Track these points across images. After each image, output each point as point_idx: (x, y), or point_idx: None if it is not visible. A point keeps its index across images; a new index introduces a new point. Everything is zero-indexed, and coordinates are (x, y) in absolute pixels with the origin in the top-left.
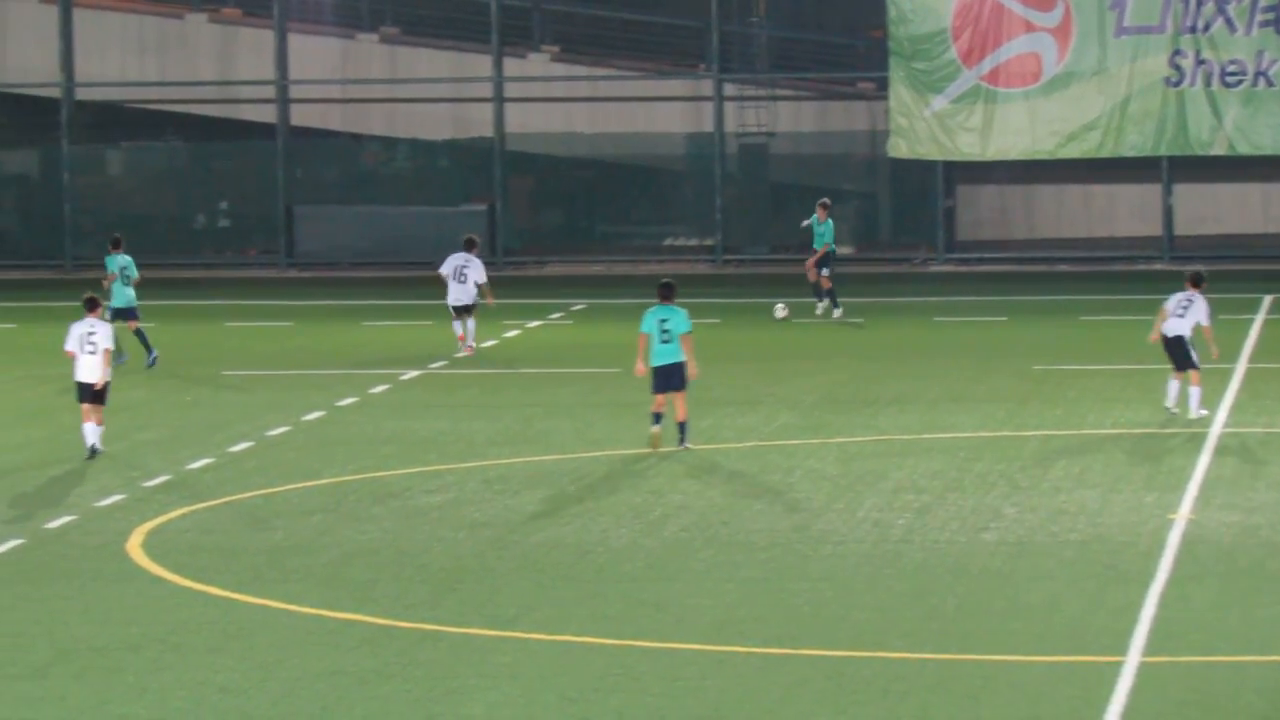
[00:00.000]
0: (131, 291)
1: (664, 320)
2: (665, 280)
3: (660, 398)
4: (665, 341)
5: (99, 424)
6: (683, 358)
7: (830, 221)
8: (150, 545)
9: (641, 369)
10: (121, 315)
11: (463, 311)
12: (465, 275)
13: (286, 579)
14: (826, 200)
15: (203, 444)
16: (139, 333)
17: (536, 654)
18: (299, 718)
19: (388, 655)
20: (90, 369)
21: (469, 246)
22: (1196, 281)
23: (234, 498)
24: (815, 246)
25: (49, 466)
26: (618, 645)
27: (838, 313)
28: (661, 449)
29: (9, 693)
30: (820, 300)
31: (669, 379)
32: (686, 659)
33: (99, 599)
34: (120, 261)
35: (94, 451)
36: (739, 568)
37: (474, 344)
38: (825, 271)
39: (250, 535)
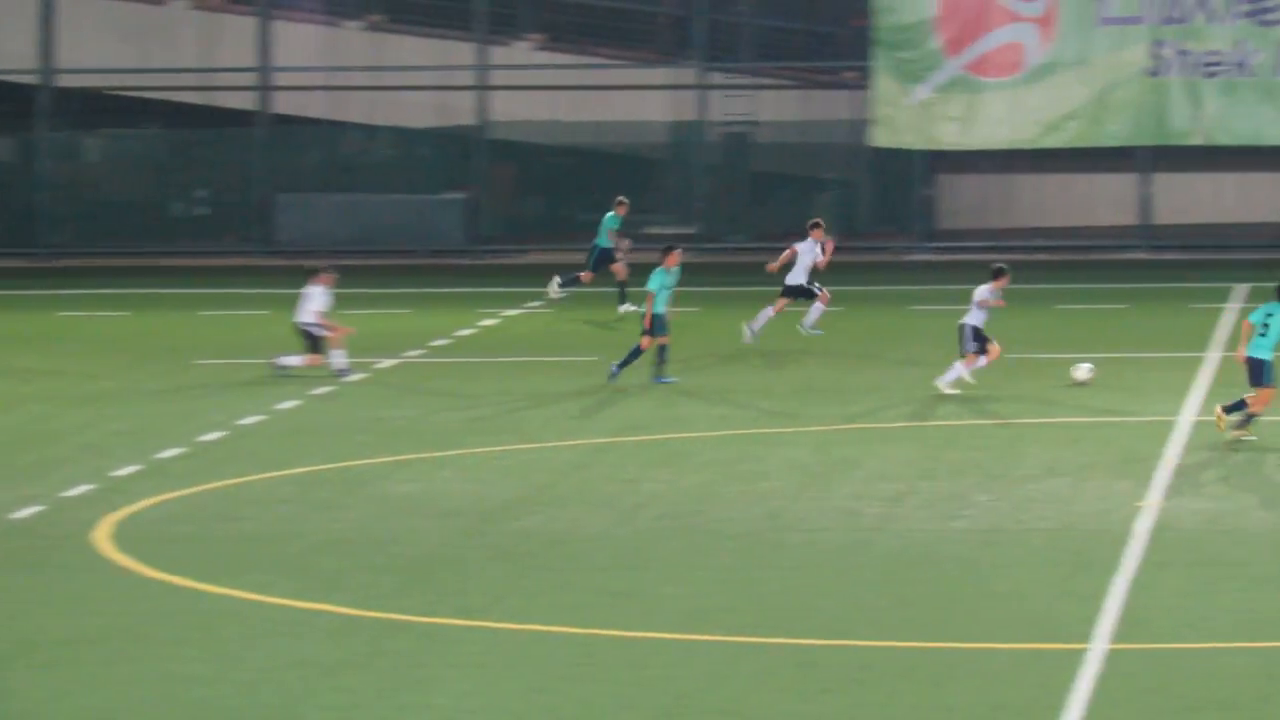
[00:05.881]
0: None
1: None
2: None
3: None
4: None
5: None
6: None
7: None
8: (118, 536)
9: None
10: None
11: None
12: None
13: (254, 569)
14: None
15: (174, 434)
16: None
17: (505, 644)
18: (264, 709)
19: (355, 645)
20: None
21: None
22: None
23: (204, 487)
24: None
25: (16, 457)
26: (586, 635)
27: None
28: None
29: None
30: None
31: None
32: (655, 648)
33: (63, 590)
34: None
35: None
36: (710, 556)
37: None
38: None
39: (219, 525)
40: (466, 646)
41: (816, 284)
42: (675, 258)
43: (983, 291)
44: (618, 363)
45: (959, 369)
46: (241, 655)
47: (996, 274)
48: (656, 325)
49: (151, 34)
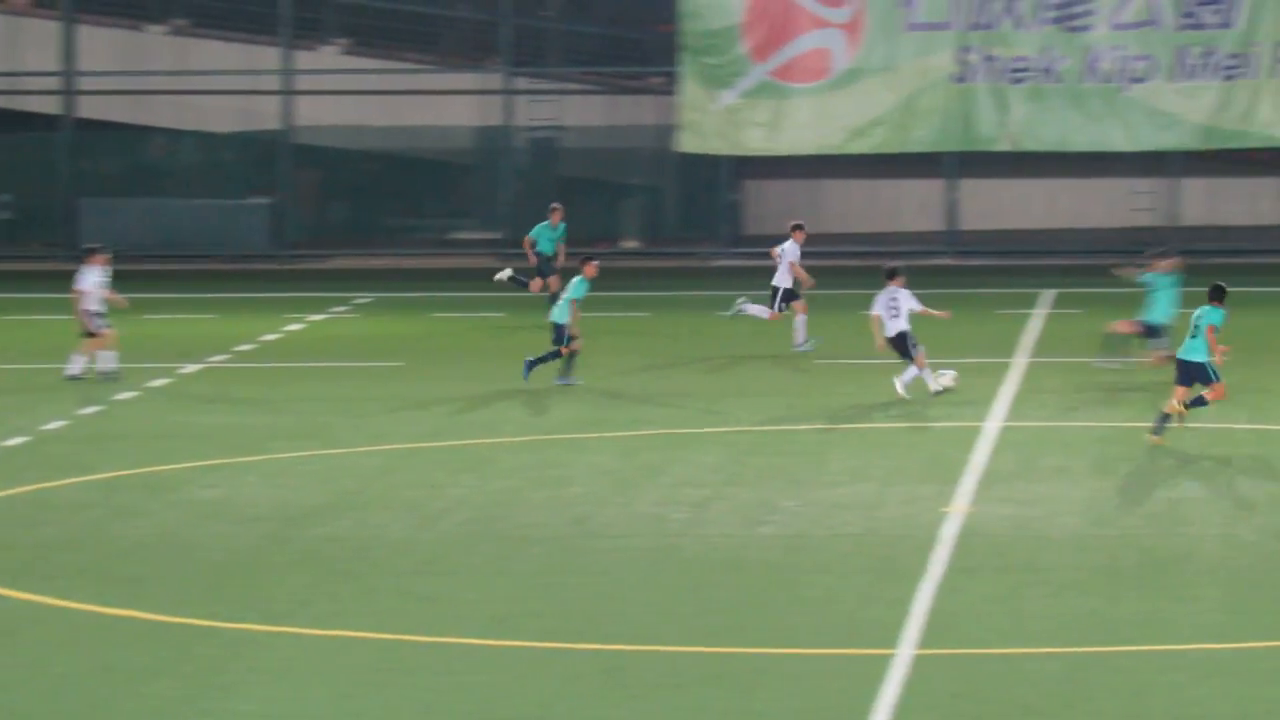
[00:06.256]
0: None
1: None
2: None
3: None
4: None
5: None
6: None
7: None
8: None
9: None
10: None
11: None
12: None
13: (58, 575)
14: None
15: None
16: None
17: (310, 649)
18: (69, 715)
19: (160, 651)
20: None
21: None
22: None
23: (6, 493)
24: None
25: None
26: (391, 640)
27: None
28: None
29: None
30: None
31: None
32: (460, 653)
33: None
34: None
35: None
36: (515, 562)
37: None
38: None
39: (21, 531)
40: (272, 652)
41: (782, 303)
42: (594, 268)
43: (907, 300)
44: (556, 374)
45: (914, 371)
46: (45, 661)
47: (890, 274)
48: (563, 332)
49: None
